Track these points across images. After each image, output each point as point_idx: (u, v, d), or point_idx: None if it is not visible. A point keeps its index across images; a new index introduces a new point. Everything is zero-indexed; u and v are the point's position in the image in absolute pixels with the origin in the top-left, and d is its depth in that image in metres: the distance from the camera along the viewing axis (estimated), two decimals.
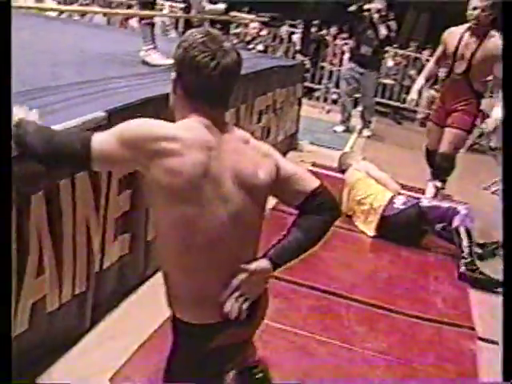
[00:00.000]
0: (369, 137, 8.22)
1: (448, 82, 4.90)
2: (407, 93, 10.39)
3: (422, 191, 5.25)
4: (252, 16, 7.81)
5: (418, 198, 4.56)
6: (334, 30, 11.77)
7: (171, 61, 1.70)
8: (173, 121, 1.64)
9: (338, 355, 2.94)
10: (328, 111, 9.62)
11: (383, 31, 7.68)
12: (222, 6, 5.18)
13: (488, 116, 7.99)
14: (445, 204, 4.38)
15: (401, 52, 10.58)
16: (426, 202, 4.42)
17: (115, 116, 2.54)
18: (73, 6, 9.21)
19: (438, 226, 4.39)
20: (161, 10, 9.49)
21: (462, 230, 4.11)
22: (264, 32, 10.47)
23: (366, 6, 7.65)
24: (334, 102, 10.08)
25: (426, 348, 3.17)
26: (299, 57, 9.52)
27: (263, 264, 1.67)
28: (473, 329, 3.44)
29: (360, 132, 8.29)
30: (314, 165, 5.88)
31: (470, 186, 6.36)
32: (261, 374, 1.80)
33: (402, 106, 10.47)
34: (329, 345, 3.00)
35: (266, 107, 5.39)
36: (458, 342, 3.30)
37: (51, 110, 2.41)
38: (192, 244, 1.59)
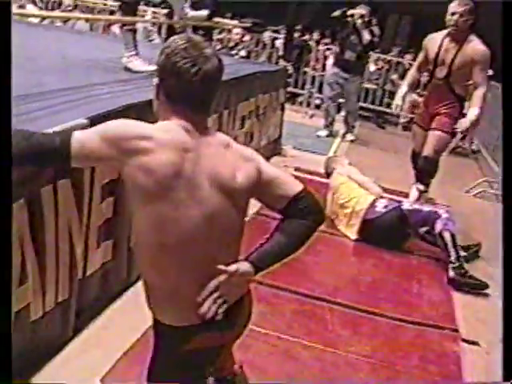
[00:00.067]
0: (352, 141, 8.27)
1: (430, 87, 4.95)
2: (390, 97, 10.50)
3: (406, 195, 5.28)
4: (234, 22, 7.81)
5: (400, 202, 4.59)
6: (316, 35, 11.83)
7: (153, 67, 1.72)
8: None
9: (321, 359, 2.95)
10: (311, 116, 9.65)
11: (367, 36, 7.75)
12: (204, 13, 5.19)
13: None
14: (426, 208, 4.41)
15: (383, 57, 10.64)
16: (407, 205, 4.45)
17: (97, 123, 2.50)
18: (55, 12, 9.20)
19: (422, 230, 4.42)
20: (143, 16, 9.49)
21: (446, 235, 4.13)
22: (247, 38, 10.49)
23: (350, 12, 7.71)
24: (317, 106, 10.13)
25: (409, 350, 3.19)
26: (282, 62, 9.56)
27: (244, 267, 1.66)
28: (456, 331, 3.46)
29: (343, 136, 8.33)
30: (297, 170, 5.91)
31: (452, 189, 6.41)
32: None
33: (384, 110, 10.55)
34: (312, 349, 3.01)
35: (248, 113, 5.41)
36: (441, 343, 3.32)
37: (33, 117, 2.41)
38: (165, 244, 1.60)
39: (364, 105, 10.07)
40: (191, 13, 4.83)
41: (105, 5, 10.62)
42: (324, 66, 10.46)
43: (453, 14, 4.56)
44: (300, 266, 3.86)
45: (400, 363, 3.06)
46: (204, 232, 1.62)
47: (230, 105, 4.81)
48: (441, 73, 4.76)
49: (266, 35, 10.79)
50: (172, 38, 1.67)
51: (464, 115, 4.80)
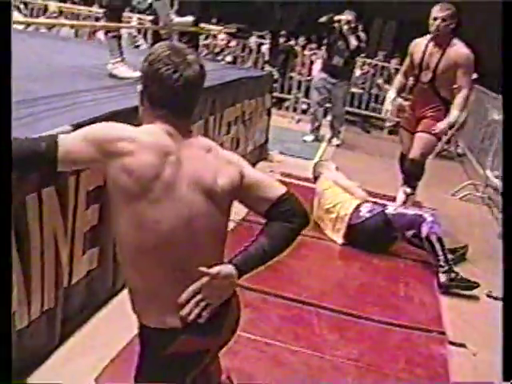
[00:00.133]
0: (338, 146, 8.30)
1: (416, 91, 4.99)
2: (375, 101, 10.57)
3: (393, 198, 5.31)
4: (220, 27, 7.83)
5: (385, 206, 4.60)
6: (302, 40, 11.87)
7: (139, 73, 1.75)
8: None
9: (309, 364, 2.95)
10: (298, 121, 9.69)
11: (354, 42, 7.81)
12: (190, 19, 5.19)
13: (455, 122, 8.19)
14: (410, 211, 4.41)
15: (368, 61, 10.69)
16: (391, 209, 4.46)
17: None
18: (40, 19, 9.17)
19: (409, 233, 4.44)
20: (128, 23, 9.48)
21: (433, 238, 4.14)
22: (233, 43, 10.51)
23: (336, 18, 7.76)
24: (304, 111, 10.17)
25: (396, 353, 3.20)
26: (267, 67, 9.59)
27: (226, 269, 1.67)
28: (443, 333, 3.47)
29: (329, 141, 8.37)
30: (283, 175, 5.92)
31: (438, 192, 6.45)
32: None
33: (370, 114, 10.61)
34: (300, 353, 3.01)
35: (234, 118, 5.41)
36: (428, 346, 3.33)
37: (18, 125, 2.39)
38: (145, 244, 1.62)
39: (350, 109, 10.12)
40: (176, 19, 4.83)
41: (90, 11, 10.62)
42: (310, 70, 10.51)
43: (435, 18, 4.61)
44: (287, 270, 3.87)
45: (387, 367, 3.06)
46: (184, 233, 1.64)
47: (216, 111, 4.81)
48: (426, 77, 4.80)
49: (252, 40, 10.83)
50: (155, 46, 1.72)
51: None
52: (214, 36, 10.25)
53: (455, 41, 4.68)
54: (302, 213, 1.79)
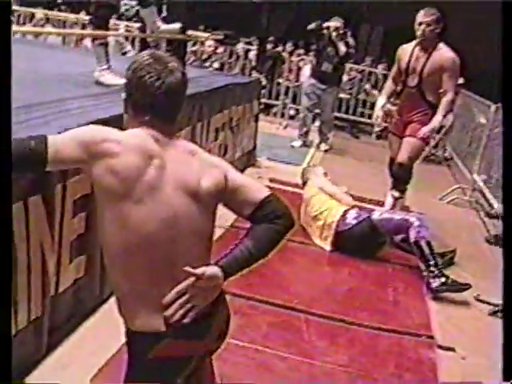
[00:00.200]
0: (326, 151, 8.33)
1: (403, 96, 5.02)
2: (363, 107, 10.62)
3: (382, 203, 5.33)
4: (207, 34, 7.83)
5: (371, 211, 4.59)
6: (289, 46, 11.91)
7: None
8: None
9: (298, 370, 2.94)
10: (285, 127, 9.70)
11: (343, 48, 7.87)
12: (177, 26, 5.19)
13: (442, 126, 8.24)
14: (397, 216, 4.40)
15: (355, 67, 10.74)
16: (377, 215, 4.43)
17: None
18: (26, 27, 9.14)
19: (398, 238, 4.44)
20: (116, 30, 9.47)
21: (422, 243, 4.14)
22: (220, 50, 10.52)
23: (325, 25, 7.82)
24: (292, 117, 10.20)
25: (385, 358, 3.20)
26: (255, 74, 9.60)
27: (212, 270, 1.67)
28: (432, 337, 3.48)
29: (318, 146, 8.40)
30: (272, 180, 5.92)
31: (426, 196, 6.48)
32: None
33: (358, 119, 10.65)
34: (289, 360, 3.00)
35: (222, 125, 5.42)
36: (417, 351, 3.34)
37: None
38: (128, 245, 1.64)
39: (338, 114, 10.15)
40: (163, 26, 4.83)
41: (77, 18, 10.61)
42: (297, 76, 10.54)
43: (420, 23, 4.65)
44: (276, 276, 3.87)
45: (377, 372, 3.06)
46: (168, 234, 1.66)
47: (204, 117, 4.82)
48: (412, 81, 4.83)
49: (240, 47, 10.84)
50: (138, 54, 1.79)
51: None
52: (202, 43, 10.26)
53: (441, 45, 4.73)
54: (286, 214, 1.80)
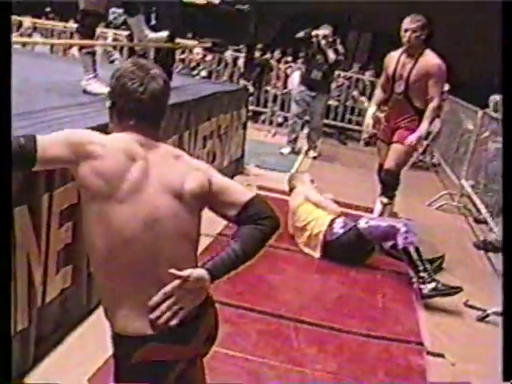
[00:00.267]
0: (315, 158, 8.35)
1: (391, 102, 5.04)
2: (351, 113, 10.65)
3: (371, 210, 5.34)
4: (195, 42, 7.83)
5: (358, 219, 4.55)
6: (277, 53, 11.94)
7: None
8: None
9: (288, 378, 2.93)
10: (274, 134, 9.71)
11: (332, 56, 7.90)
12: (164, 34, 5.19)
13: (430, 132, 8.29)
14: (384, 223, 4.38)
15: (343, 74, 10.78)
16: (363, 223, 4.40)
17: None
18: (14, 36, 9.10)
19: (387, 245, 4.43)
20: (105, 38, 9.47)
21: (411, 249, 4.13)
22: (209, 57, 10.52)
23: (314, 33, 7.86)
24: (280, 124, 10.22)
25: (375, 365, 3.19)
26: (242, 81, 9.63)
27: (198, 271, 1.69)
28: (421, 344, 3.48)
29: (306, 153, 8.42)
30: (260, 188, 5.92)
31: (415, 202, 6.50)
32: None
33: (346, 126, 10.68)
34: (279, 368, 2.99)
35: (210, 133, 5.41)
36: (406, 357, 3.33)
37: None
38: (111, 245, 1.65)
39: (326, 121, 10.18)
40: (151, 34, 4.82)
41: (65, 27, 10.59)
42: (285, 83, 10.56)
43: (406, 30, 4.68)
44: (265, 285, 3.87)
45: (366, 378, 3.06)
46: (151, 235, 1.67)
47: (191, 125, 4.81)
48: (399, 88, 4.85)
49: (228, 54, 10.85)
50: (122, 63, 1.86)
51: None
52: (190, 50, 10.26)
53: (427, 51, 4.75)
54: (271, 216, 1.82)
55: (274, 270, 4.07)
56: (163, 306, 1.65)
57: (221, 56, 10.76)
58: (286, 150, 8.32)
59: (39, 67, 5.37)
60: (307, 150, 8.46)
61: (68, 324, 2.95)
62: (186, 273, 1.65)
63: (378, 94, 5.21)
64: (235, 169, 6.49)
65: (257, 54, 11.35)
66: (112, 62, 9.10)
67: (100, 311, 1.82)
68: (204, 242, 3.70)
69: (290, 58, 11.51)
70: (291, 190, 5.05)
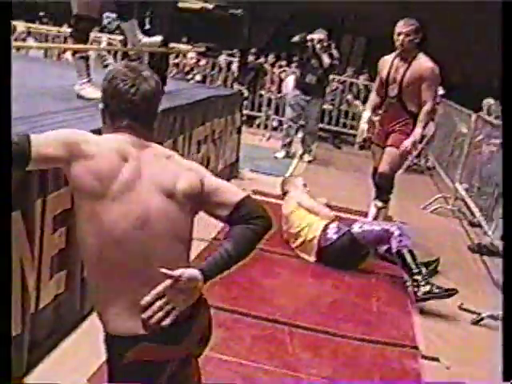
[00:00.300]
0: (310, 162, 8.36)
1: (385, 106, 5.05)
2: (345, 117, 10.67)
3: (365, 213, 5.34)
4: (189, 47, 7.85)
5: (352, 224, 4.54)
6: (271, 57, 11.95)
7: None
8: None
9: (283, 383, 2.93)
10: (268, 138, 9.72)
11: (326, 60, 7.93)
12: (158, 39, 5.19)
13: (424, 135, 8.31)
14: (377, 227, 4.36)
15: (337, 78, 10.80)
16: (357, 227, 4.40)
17: None
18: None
19: (382, 249, 4.42)
20: (99, 42, 9.47)
21: (405, 252, 4.13)
22: (203, 62, 10.54)
23: (309, 37, 7.87)
24: (274, 128, 10.23)
25: (370, 369, 3.19)
26: (236, 86, 9.64)
27: (190, 271, 1.68)
28: (416, 348, 3.47)
29: (301, 157, 8.43)
30: (255, 192, 5.91)
31: (409, 205, 6.52)
32: None
33: (340, 130, 10.69)
34: (274, 373, 2.98)
35: (204, 137, 5.41)
36: (401, 361, 3.33)
37: None
38: (103, 245, 1.66)
39: (321, 125, 10.19)
40: (144, 39, 4.82)
41: (59, 31, 10.58)
42: (280, 87, 10.57)
43: (399, 34, 4.69)
44: (259, 289, 3.86)
45: (361, 383, 3.05)
46: (142, 233, 1.67)
47: (185, 130, 4.81)
48: (393, 91, 4.86)
49: (222, 59, 10.87)
50: (113, 66, 1.88)
51: None
52: (184, 55, 10.28)
53: (420, 55, 4.77)
54: (263, 215, 1.83)
55: (268, 275, 4.06)
56: (155, 306, 1.65)
57: (215, 60, 10.78)
58: (281, 154, 8.33)
59: (33, 72, 5.35)
60: (302, 154, 8.48)
61: (62, 330, 2.93)
62: (177, 272, 1.65)
63: (373, 98, 5.22)
64: (230, 173, 6.48)
65: (251, 58, 11.35)
66: (106, 66, 9.08)
67: (94, 317, 1.82)
68: (198, 247, 3.70)
69: (284, 62, 11.52)
70: (284, 194, 5.05)
